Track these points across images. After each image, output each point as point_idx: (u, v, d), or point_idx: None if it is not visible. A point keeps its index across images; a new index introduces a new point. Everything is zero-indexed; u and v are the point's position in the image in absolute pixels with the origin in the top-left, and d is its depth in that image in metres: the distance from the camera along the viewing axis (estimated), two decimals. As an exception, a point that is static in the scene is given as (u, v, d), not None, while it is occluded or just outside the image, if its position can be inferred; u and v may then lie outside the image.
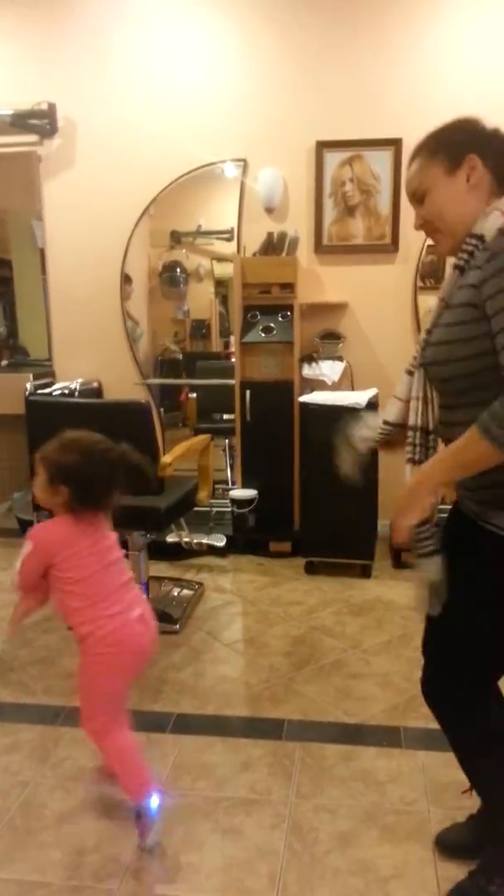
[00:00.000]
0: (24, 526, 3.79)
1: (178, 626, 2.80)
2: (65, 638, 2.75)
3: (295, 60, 3.54)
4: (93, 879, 1.60)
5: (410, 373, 1.40)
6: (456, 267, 1.23)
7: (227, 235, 3.87)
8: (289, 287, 3.48)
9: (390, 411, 1.46)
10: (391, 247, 3.63)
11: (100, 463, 1.66)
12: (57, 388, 3.61)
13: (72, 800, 1.86)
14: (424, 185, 1.25)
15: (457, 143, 1.22)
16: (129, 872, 1.62)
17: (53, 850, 1.69)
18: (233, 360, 3.67)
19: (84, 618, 1.67)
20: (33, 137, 3.73)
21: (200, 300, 4.14)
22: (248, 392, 3.51)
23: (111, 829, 1.75)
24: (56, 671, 2.52)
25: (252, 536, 3.57)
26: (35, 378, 3.69)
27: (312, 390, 3.45)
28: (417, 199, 1.28)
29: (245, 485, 3.58)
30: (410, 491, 1.28)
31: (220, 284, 4.10)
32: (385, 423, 1.48)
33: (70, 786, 1.91)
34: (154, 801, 1.69)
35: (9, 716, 2.23)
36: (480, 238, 1.18)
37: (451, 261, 1.30)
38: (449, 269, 1.31)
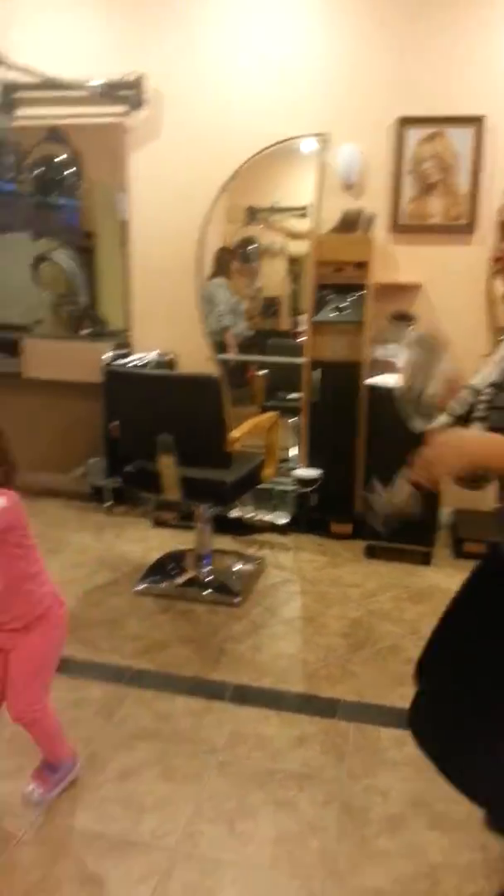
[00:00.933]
0: (98, 491, 3.93)
1: (238, 600, 2.87)
2: (131, 601, 2.87)
3: (380, 35, 3.44)
4: (150, 837, 1.69)
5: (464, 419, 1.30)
6: None
7: (302, 212, 3.84)
8: (362, 266, 3.43)
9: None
10: (468, 227, 3.52)
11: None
12: (133, 359, 3.69)
13: (133, 759, 1.95)
14: None
15: None
16: (185, 834, 1.70)
17: (114, 804, 1.79)
18: (302, 338, 3.66)
19: (45, 588, 1.71)
20: (121, 108, 3.74)
21: (272, 277, 4.14)
22: (317, 371, 3.51)
23: (170, 791, 1.84)
24: (123, 633, 2.62)
25: (314, 516, 3.59)
26: (113, 349, 3.77)
27: (382, 372, 3.42)
28: None
29: (309, 464, 3.60)
30: (462, 437, 1.20)
31: (293, 262, 4.09)
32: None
33: (133, 744, 2.01)
34: (69, 764, 1.83)
35: (77, 672, 2.35)
36: None
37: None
38: None
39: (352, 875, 1.60)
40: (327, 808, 1.80)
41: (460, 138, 3.45)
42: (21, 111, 3.84)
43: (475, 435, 1.21)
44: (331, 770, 1.93)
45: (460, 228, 3.54)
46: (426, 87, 3.44)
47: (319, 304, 3.50)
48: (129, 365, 3.63)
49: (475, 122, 3.39)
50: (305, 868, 1.62)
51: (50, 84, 3.65)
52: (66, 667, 2.37)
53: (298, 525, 3.62)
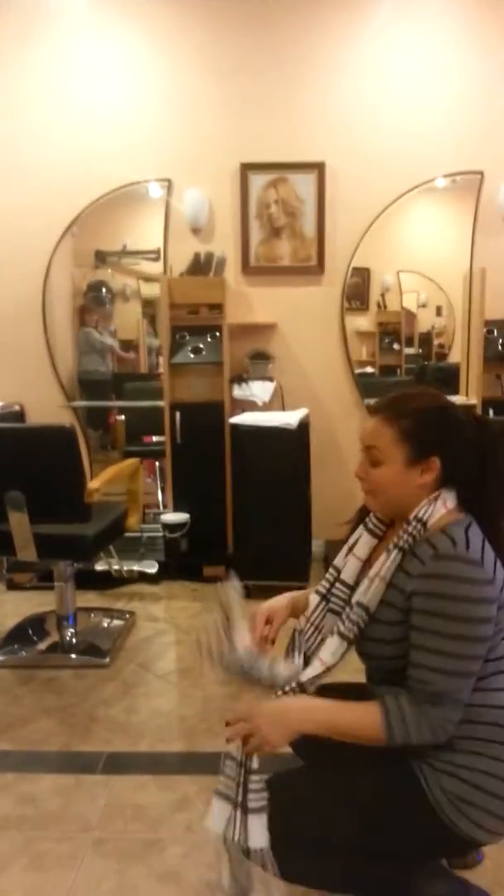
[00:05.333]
0: None
1: (107, 660, 2.69)
2: None
3: (217, 82, 3.54)
4: None
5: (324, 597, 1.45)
6: (397, 547, 1.25)
7: (153, 255, 3.82)
8: (217, 308, 3.44)
9: None
10: (317, 268, 3.65)
11: None
12: (-24, 414, 3.46)
13: None
14: (382, 456, 1.27)
15: (427, 441, 1.26)
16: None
17: None
18: (161, 381, 3.60)
19: None
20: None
21: (128, 320, 4.07)
22: (177, 413, 3.45)
23: (40, 882, 1.63)
24: None
25: (185, 561, 3.48)
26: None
27: (243, 411, 3.42)
28: (371, 458, 1.29)
29: (176, 508, 3.51)
30: (284, 713, 1.25)
31: (148, 304, 4.04)
32: None
33: None
34: None
35: None
36: (423, 524, 1.24)
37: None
38: (365, 537, 1.38)
39: None
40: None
41: (303, 183, 3.59)
42: None
43: (297, 706, 1.27)
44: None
45: (310, 269, 3.66)
46: (267, 133, 3.57)
47: (176, 346, 3.46)
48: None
49: (316, 167, 3.55)
50: None
51: None
52: None
53: (169, 572, 3.49)
